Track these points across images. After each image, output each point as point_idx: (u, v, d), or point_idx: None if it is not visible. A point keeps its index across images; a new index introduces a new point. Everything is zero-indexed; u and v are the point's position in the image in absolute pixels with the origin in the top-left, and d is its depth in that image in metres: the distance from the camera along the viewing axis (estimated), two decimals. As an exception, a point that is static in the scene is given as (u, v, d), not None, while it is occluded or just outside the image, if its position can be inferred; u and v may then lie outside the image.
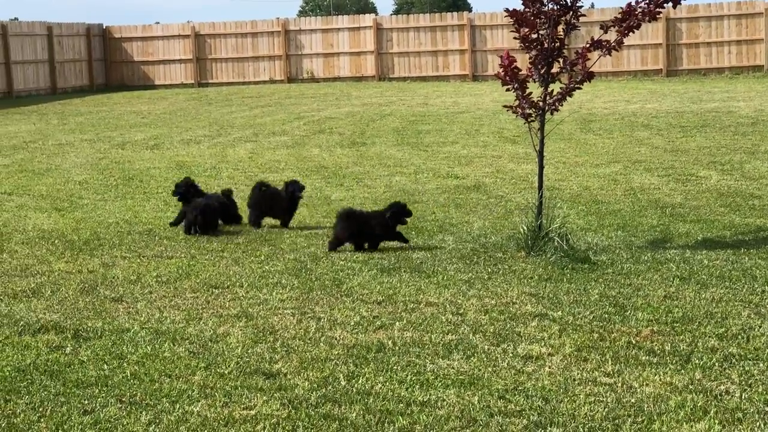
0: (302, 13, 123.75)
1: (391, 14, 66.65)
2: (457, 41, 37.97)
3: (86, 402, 5.95)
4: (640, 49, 37.04)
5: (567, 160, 16.76)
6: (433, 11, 67.29)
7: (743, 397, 5.77)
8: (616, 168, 15.79)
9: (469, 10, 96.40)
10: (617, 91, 31.34)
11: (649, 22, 9.87)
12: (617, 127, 21.68)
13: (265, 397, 5.96)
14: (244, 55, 39.29)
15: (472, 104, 27.74)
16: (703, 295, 8.01)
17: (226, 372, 6.42)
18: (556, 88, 10.15)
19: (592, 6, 40.40)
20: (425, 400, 5.88)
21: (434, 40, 38.36)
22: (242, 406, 5.84)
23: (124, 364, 6.62)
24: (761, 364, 6.31)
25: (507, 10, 9.85)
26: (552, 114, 10.15)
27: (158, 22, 41.50)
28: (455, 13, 39.87)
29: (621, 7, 9.97)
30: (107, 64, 40.22)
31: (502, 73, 9.84)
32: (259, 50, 39.23)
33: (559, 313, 7.61)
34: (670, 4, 9.70)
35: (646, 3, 9.81)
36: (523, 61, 9.68)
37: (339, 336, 7.16)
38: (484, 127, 21.94)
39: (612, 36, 10.03)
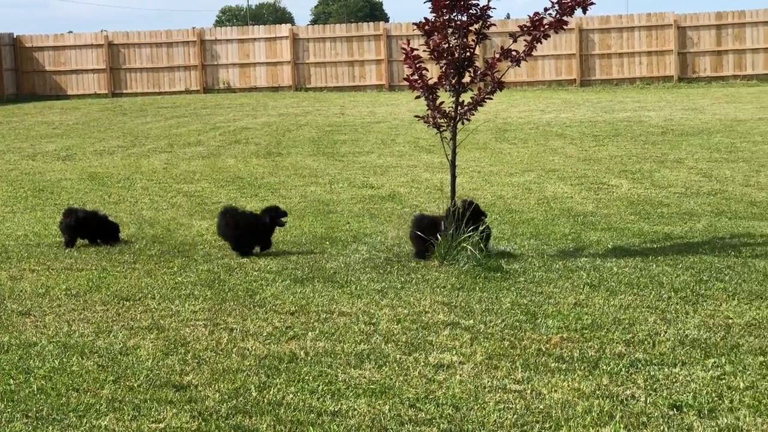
0: (219, 23, 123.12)
1: (308, 24, 66.61)
2: (373, 51, 38.09)
3: (-9, 418, 5.85)
4: (555, 59, 37.50)
5: (482, 170, 16.89)
6: (350, 21, 67.44)
7: (648, 402, 5.86)
8: (530, 177, 15.97)
9: (386, 20, 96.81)
10: (532, 100, 31.68)
11: (556, 32, 10.02)
12: (532, 136, 21.92)
13: (174, 410, 5.91)
14: (159, 65, 38.94)
15: (388, 114, 27.84)
16: (612, 302, 8.13)
17: (135, 385, 6.35)
18: (467, 97, 10.24)
19: (508, 17, 40.79)
20: (336, 409, 5.88)
21: (351, 50, 38.41)
22: (151, 420, 5.78)
23: (31, 378, 6.51)
24: (666, 369, 6.42)
25: (416, 24, 9.94)
26: (463, 124, 10.25)
27: (71, 32, 40.91)
28: (371, 23, 39.98)
29: (529, 15, 10.12)
30: (18, 74, 39.56)
31: (409, 72, 9.96)
32: (175, 60, 38.91)
33: (471, 321, 7.66)
34: (580, 11, 9.87)
35: (555, 10, 9.96)
36: (435, 72, 9.76)
37: (251, 347, 7.13)
38: (400, 137, 22.02)
39: (522, 46, 10.14)
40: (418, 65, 9.97)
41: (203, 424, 5.70)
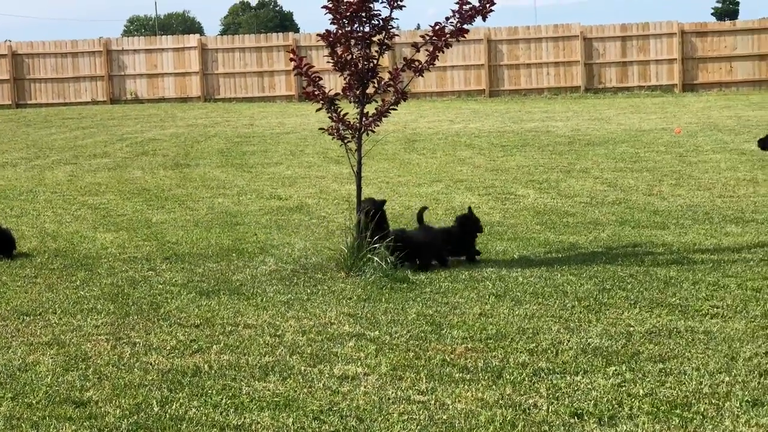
0: (127, 32, 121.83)
1: (218, 35, 66.21)
2: (282, 62, 37.95)
3: None
4: (464, 70, 37.79)
5: (390, 180, 16.93)
6: (260, 32, 67.21)
7: (550, 410, 5.91)
8: (438, 187, 16.05)
9: (297, 30, 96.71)
10: (441, 110, 31.87)
11: (458, 41, 10.11)
12: (440, 146, 22.04)
13: (74, 427, 5.81)
14: (65, 76, 38.34)
15: (297, 125, 27.78)
16: (517, 312, 8.19)
17: (34, 402, 6.22)
18: (372, 108, 10.26)
19: (418, 27, 41.13)
20: (239, 423, 5.83)
21: (260, 60, 38.26)
22: (49, 437, 5.68)
23: (-75, 397, 6.35)
24: (568, 377, 6.49)
25: (319, 34, 9.95)
26: (368, 135, 10.27)
27: (-26, 41, 40.11)
28: (281, 34, 39.89)
29: (430, 26, 10.21)
30: None
31: (305, 84, 9.98)
32: (81, 70, 38.35)
33: (377, 332, 7.66)
34: (480, 18, 9.98)
35: (456, 19, 10.06)
36: (340, 83, 9.78)
37: (154, 361, 7.04)
38: (309, 148, 22.01)
39: (425, 56, 10.21)
40: (313, 77, 9.97)
41: (103, 440, 5.61)
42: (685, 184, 15.83)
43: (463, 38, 10.15)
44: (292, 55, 10.11)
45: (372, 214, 10.03)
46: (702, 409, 5.90)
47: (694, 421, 5.74)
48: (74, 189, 16.61)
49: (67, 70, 38.44)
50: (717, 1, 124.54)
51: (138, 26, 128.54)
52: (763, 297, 8.54)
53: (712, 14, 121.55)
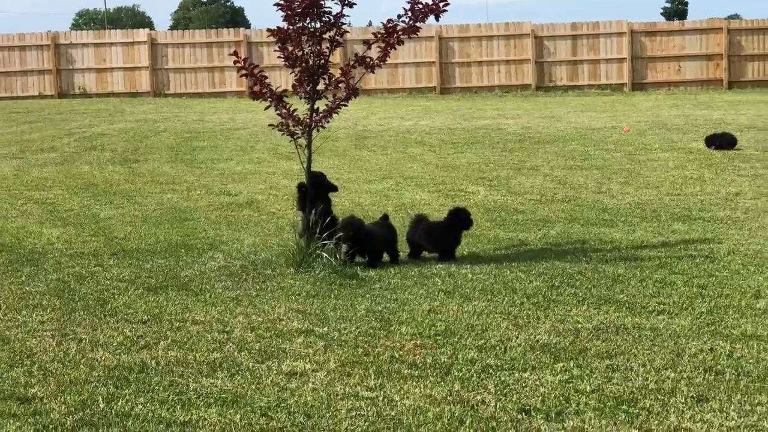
0: (76, 26, 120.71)
1: (168, 30, 65.73)
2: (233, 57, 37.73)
3: None
4: (415, 67, 37.82)
5: (340, 177, 16.89)
6: (211, 27, 66.89)
7: (498, 407, 5.93)
8: (389, 184, 16.05)
9: (248, 26, 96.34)
10: (392, 107, 31.87)
11: (410, 38, 10.12)
12: (391, 143, 22.04)
13: (18, 423, 5.74)
14: (12, 69, 37.91)
15: (248, 120, 27.66)
16: (466, 308, 8.21)
17: (-23, 399, 6.15)
18: (323, 105, 10.25)
19: (370, 24, 41.14)
20: (186, 420, 5.79)
21: (210, 56, 38.04)
22: (-7, 434, 5.61)
23: None
24: (516, 374, 6.51)
25: (270, 30, 9.91)
26: (319, 131, 10.25)
27: None
28: (232, 30, 39.67)
29: (382, 23, 10.21)
30: None
31: (250, 83, 9.94)
32: (28, 64, 37.91)
33: (325, 329, 7.64)
34: (433, 18, 9.98)
35: (408, 17, 10.07)
36: (291, 79, 9.75)
37: (100, 357, 6.98)
38: (259, 144, 21.93)
39: (377, 53, 10.21)
40: (259, 76, 9.91)
41: (47, 437, 5.55)
42: (634, 182, 15.95)
43: (415, 36, 10.17)
44: (236, 57, 10.04)
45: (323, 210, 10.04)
46: (648, 405, 5.95)
47: (640, 416, 5.79)
48: (20, 184, 16.43)
49: (15, 63, 37.99)
50: (666, 1, 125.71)
51: (87, 20, 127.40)
52: (709, 294, 8.64)
53: (661, 14, 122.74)
